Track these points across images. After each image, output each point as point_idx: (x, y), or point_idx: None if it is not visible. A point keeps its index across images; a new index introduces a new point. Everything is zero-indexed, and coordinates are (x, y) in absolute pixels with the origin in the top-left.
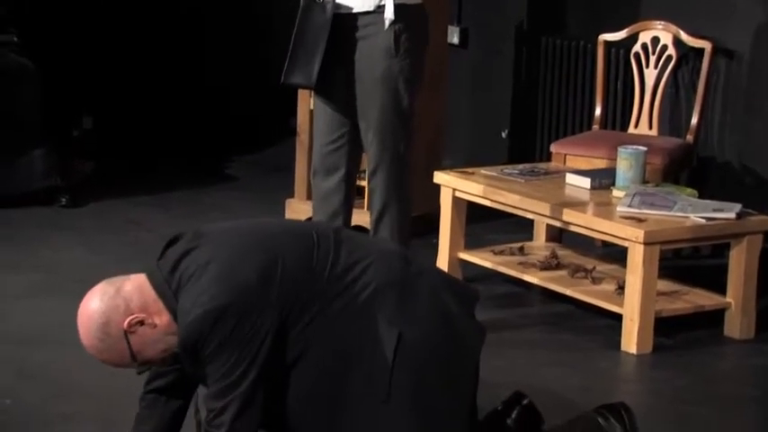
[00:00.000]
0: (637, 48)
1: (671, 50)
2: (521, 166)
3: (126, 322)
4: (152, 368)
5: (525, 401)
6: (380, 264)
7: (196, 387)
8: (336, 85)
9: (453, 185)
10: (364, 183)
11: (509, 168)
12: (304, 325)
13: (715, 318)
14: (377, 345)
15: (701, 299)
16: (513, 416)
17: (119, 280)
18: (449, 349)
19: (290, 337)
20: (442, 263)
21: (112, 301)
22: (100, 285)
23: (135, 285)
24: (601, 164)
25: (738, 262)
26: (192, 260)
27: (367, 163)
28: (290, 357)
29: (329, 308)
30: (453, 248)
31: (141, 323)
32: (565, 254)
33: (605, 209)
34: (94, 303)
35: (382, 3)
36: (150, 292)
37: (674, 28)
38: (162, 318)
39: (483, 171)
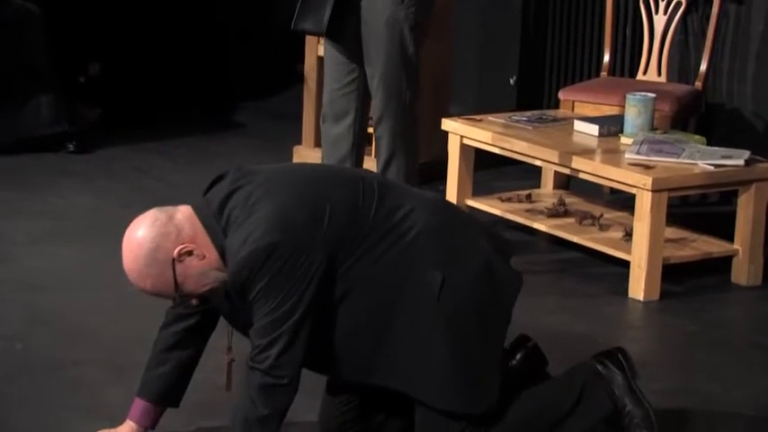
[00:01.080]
0: None
1: None
2: (529, 113)
3: (176, 250)
4: (176, 308)
5: (530, 344)
6: (423, 209)
7: (210, 335)
8: (346, 32)
9: (461, 133)
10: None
11: (517, 115)
12: (349, 265)
13: (722, 265)
14: (420, 286)
15: (709, 246)
16: (518, 358)
17: (169, 209)
18: (488, 295)
19: (336, 276)
20: None
21: (164, 228)
22: (150, 212)
23: (185, 216)
24: (609, 111)
25: (746, 209)
26: (241, 198)
27: (373, 111)
28: (335, 297)
29: (374, 249)
30: (461, 196)
31: (190, 253)
32: (572, 201)
33: (613, 156)
34: (145, 229)
35: None
36: (199, 225)
37: None
38: (209, 252)
39: (491, 118)
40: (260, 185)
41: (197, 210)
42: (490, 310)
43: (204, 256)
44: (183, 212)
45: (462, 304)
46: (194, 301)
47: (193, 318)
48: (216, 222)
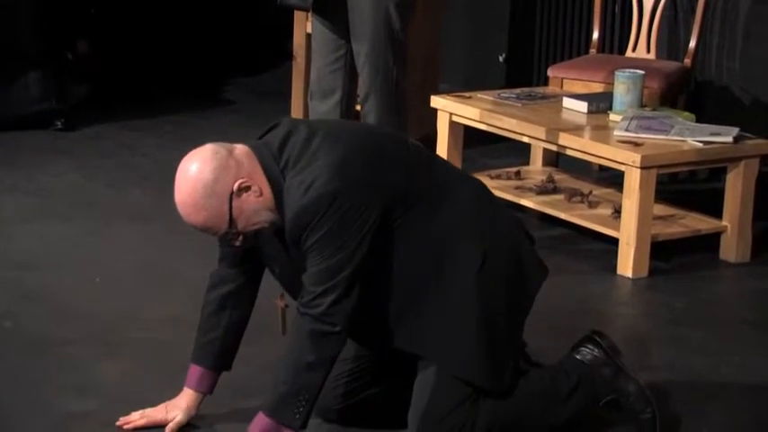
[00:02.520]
0: None
1: None
2: (518, 91)
3: (236, 184)
4: (222, 247)
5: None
6: (465, 184)
7: (255, 296)
8: (334, 7)
9: (450, 110)
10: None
11: (506, 92)
12: (399, 224)
13: (711, 241)
14: (462, 258)
15: (698, 223)
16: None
17: (227, 144)
18: (518, 281)
19: (386, 233)
20: None
21: (225, 161)
22: (209, 145)
23: (244, 152)
24: (598, 88)
25: (735, 186)
26: (300, 141)
27: (360, 88)
28: (381, 254)
29: (422, 212)
30: None
31: (248, 189)
32: (561, 178)
33: (602, 133)
34: (205, 161)
35: None
36: (257, 163)
37: None
38: (265, 190)
39: (480, 95)
40: (319, 133)
41: (255, 148)
42: (517, 296)
43: (261, 194)
44: (242, 150)
45: (497, 284)
46: (239, 242)
47: (237, 280)
48: (274, 163)
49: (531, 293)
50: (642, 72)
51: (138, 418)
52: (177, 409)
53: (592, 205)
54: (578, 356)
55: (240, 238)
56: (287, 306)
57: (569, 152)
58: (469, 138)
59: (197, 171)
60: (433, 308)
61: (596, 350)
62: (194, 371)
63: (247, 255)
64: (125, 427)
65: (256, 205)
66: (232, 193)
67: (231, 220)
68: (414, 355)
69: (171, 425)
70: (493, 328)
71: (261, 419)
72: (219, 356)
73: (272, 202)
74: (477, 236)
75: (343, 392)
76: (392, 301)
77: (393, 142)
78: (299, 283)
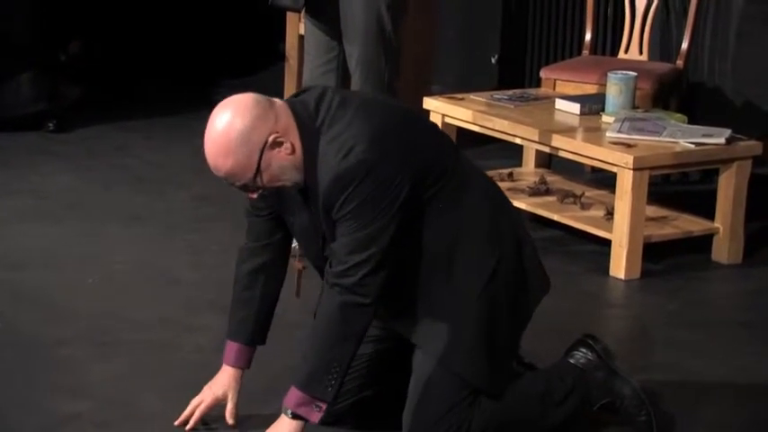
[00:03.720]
0: None
1: None
2: (510, 92)
3: (271, 137)
4: (246, 244)
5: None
6: (484, 179)
7: (285, 269)
8: (326, 8)
9: (443, 111)
10: None
11: (498, 94)
12: (425, 201)
13: (703, 243)
14: (476, 255)
15: (690, 224)
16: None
17: (269, 97)
18: (522, 293)
19: (414, 209)
20: None
21: (264, 112)
22: (250, 93)
23: (283, 108)
24: (590, 89)
25: (727, 187)
26: (335, 108)
27: (352, 89)
28: (407, 233)
29: (447, 194)
30: None
31: (281, 144)
32: (554, 179)
33: (595, 134)
34: (245, 108)
35: None
36: (293, 120)
37: None
38: (297, 149)
39: (472, 97)
40: (353, 101)
41: (292, 106)
42: (520, 306)
43: (292, 152)
44: (281, 105)
45: (503, 292)
46: (256, 195)
47: (266, 253)
48: (311, 123)
49: (532, 306)
50: (634, 74)
51: (193, 413)
52: (222, 387)
53: (584, 207)
54: (572, 360)
55: (259, 192)
56: (304, 268)
57: (562, 153)
58: (462, 139)
59: (234, 116)
60: (441, 302)
61: (590, 353)
62: (231, 347)
63: (275, 227)
64: (187, 429)
65: (285, 162)
66: (265, 144)
67: (257, 173)
68: (409, 352)
69: (229, 407)
70: (494, 334)
71: (294, 393)
72: (254, 332)
73: (301, 162)
74: (494, 239)
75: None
76: (404, 287)
77: (424, 120)
78: (315, 241)
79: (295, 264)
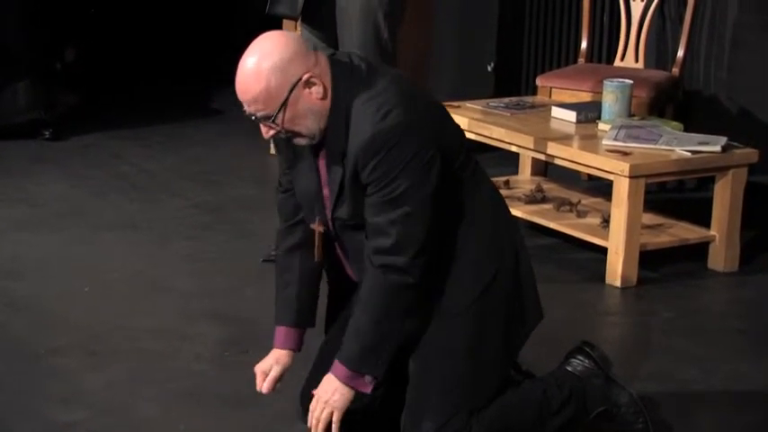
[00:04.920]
0: None
1: None
2: (506, 100)
3: (307, 74)
4: (281, 225)
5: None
6: (492, 185)
7: None
8: (323, 16)
9: None
10: None
11: (495, 102)
12: (447, 182)
13: (699, 251)
14: (471, 266)
15: (686, 232)
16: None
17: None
18: (517, 314)
19: (444, 184)
20: None
21: (306, 50)
22: (295, 32)
23: (322, 55)
24: (586, 97)
25: (723, 195)
26: (365, 71)
27: None
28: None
29: (467, 179)
30: None
31: (313, 85)
32: (550, 187)
33: (591, 142)
34: (290, 39)
35: None
36: (329, 72)
37: None
38: (327, 98)
39: (468, 104)
40: (383, 70)
41: (330, 57)
42: (511, 332)
43: (323, 98)
44: (322, 54)
45: (495, 308)
46: (269, 134)
47: (298, 232)
48: (346, 78)
49: (525, 329)
50: (630, 81)
51: (265, 381)
52: (268, 363)
53: (580, 215)
54: (569, 368)
55: (274, 131)
56: (324, 232)
57: (558, 161)
58: None
59: (276, 44)
60: (430, 307)
61: (587, 361)
62: (279, 332)
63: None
64: (265, 390)
65: (313, 106)
66: (299, 80)
67: (283, 106)
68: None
69: (270, 376)
70: (479, 351)
71: (342, 370)
72: (298, 313)
73: (327, 112)
74: (494, 252)
75: None
76: None
77: (444, 107)
78: (319, 204)
79: (316, 227)
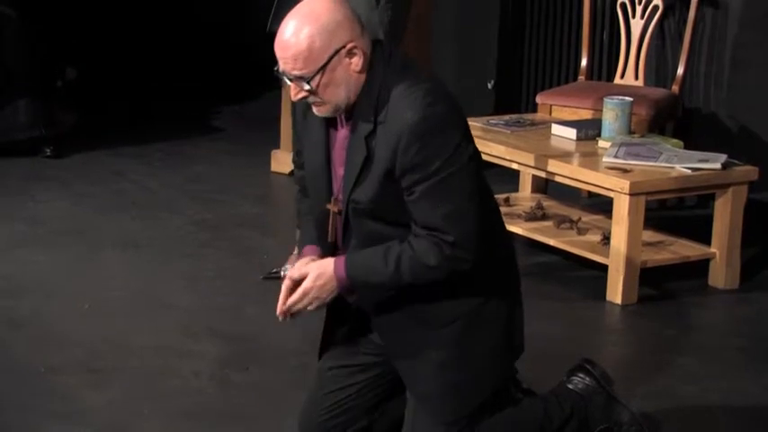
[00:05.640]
0: None
1: (657, 1)
2: (506, 117)
3: (351, 43)
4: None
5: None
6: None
7: None
8: None
9: None
10: None
11: (495, 119)
12: None
13: (700, 268)
14: (475, 285)
15: (687, 249)
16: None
17: None
18: (505, 339)
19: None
20: None
21: (354, 23)
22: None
23: (368, 34)
24: (586, 114)
25: (723, 212)
26: (405, 60)
27: None
28: None
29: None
30: None
31: (355, 56)
32: (550, 205)
33: (591, 159)
34: (342, 7)
35: None
36: (370, 48)
37: None
38: (364, 73)
39: (469, 122)
40: (417, 64)
41: (374, 39)
42: (498, 351)
43: (360, 71)
44: (366, 32)
45: (481, 335)
46: (299, 94)
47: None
48: (385, 61)
49: (509, 363)
50: (630, 99)
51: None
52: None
53: (581, 232)
54: (570, 386)
55: (304, 94)
56: (340, 212)
57: (558, 179)
58: None
59: (333, 5)
60: (421, 310)
61: (588, 379)
62: (306, 249)
63: None
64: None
65: (349, 76)
66: (343, 47)
67: (322, 69)
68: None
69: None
70: (461, 368)
71: (342, 276)
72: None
73: (360, 87)
74: (492, 269)
75: (335, 425)
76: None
77: None
78: (324, 179)
79: (330, 207)
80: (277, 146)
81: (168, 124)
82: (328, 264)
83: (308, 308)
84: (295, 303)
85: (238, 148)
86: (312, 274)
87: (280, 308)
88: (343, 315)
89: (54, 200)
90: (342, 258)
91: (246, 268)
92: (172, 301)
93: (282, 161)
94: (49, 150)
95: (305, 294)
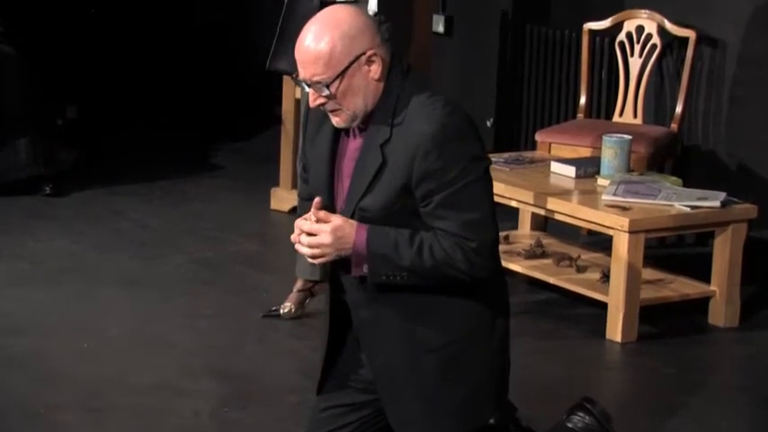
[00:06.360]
0: (621, 36)
1: (655, 39)
2: (506, 155)
3: (371, 51)
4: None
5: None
6: None
7: None
8: None
9: None
10: None
11: (494, 157)
12: None
13: (700, 306)
14: (466, 304)
15: (686, 287)
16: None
17: None
18: (491, 383)
19: None
20: None
21: (376, 30)
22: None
23: (388, 45)
24: (586, 152)
25: (723, 250)
26: (419, 75)
27: None
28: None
29: None
30: None
31: (374, 63)
32: (550, 242)
33: (590, 197)
34: (363, 15)
35: None
36: (389, 58)
37: (658, 17)
38: (382, 82)
39: None
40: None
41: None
42: (489, 390)
43: (378, 79)
44: (386, 43)
45: (462, 378)
46: (317, 101)
47: None
48: (402, 73)
49: (496, 397)
50: (629, 137)
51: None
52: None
53: (580, 270)
54: (570, 424)
55: (322, 100)
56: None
57: (557, 216)
58: None
59: (351, 13)
60: (412, 331)
61: (588, 417)
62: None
63: None
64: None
65: (368, 84)
66: (363, 54)
67: (340, 75)
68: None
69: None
70: (443, 397)
71: (361, 250)
72: None
73: (377, 96)
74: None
75: None
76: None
77: None
78: (327, 187)
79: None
80: (277, 183)
81: (168, 162)
82: (352, 223)
83: (311, 251)
84: (309, 235)
85: (238, 186)
86: (335, 223)
87: (295, 236)
88: (340, 347)
89: (54, 238)
90: (365, 226)
91: (246, 306)
92: (171, 340)
93: (282, 199)
94: (48, 189)
95: (318, 232)
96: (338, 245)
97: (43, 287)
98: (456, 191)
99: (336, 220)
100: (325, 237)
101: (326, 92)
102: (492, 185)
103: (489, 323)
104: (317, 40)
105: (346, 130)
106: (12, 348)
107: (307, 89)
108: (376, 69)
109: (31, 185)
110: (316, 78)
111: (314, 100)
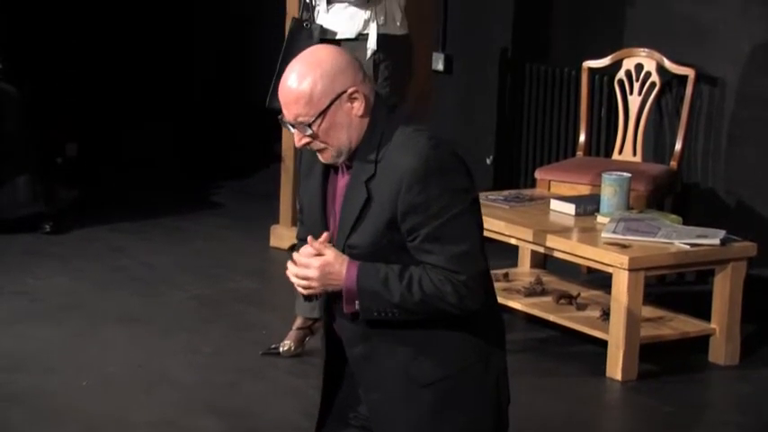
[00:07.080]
0: (620, 75)
1: (654, 77)
2: (505, 193)
3: (352, 88)
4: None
5: None
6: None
7: None
8: None
9: None
10: None
11: (494, 195)
12: None
13: (700, 344)
14: (461, 338)
15: (686, 325)
16: None
17: None
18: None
19: None
20: None
21: (357, 69)
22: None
23: (370, 80)
24: (585, 190)
25: (723, 288)
26: (403, 112)
27: None
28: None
29: None
30: None
31: (356, 100)
32: (549, 280)
33: (590, 235)
34: (344, 55)
35: (366, 31)
36: (373, 95)
37: (657, 55)
38: (366, 119)
39: None
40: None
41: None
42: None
43: (362, 116)
44: (370, 77)
45: (458, 411)
46: (301, 141)
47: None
48: (386, 110)
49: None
50: (629, 175)
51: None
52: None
53: (580, 307)
54: None
55: (307, 140)
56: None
57: (557, 254)
58: None
59: (332, 53)
60: (404, 367)
61: None
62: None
63: None
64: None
65: (351, 121)
66: (344, 92)
67: (322, 114)
68: None
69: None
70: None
71: (352, 287)
72: None
73: (362, 132)
74: (481, 340)
75: None
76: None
77: None
78: (321, 225)
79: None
80: (276, 221)
81: (167, 200)
82: (343, 260)
83: (299, 282)
84: (300, 268)
85: (238, 224)
86: (326, 258)
87: (290, 269)
88: (338, 383)
89: (53, 275)
90: (355, 263)
91: (245, 344)
92: (171, 377)
93: (282, 236)
94: (48, 226)
95: (308, 266)
96: (325, 280)
97: (43, 324)
98: (441, 224)
99: (329, 255)
100: (312, 271)
101: (309, 131)
102: (480, 217)
103: (484, 357)
104: (299, 81)
105: (336, 168)
106: (12, 385)
107: (291, 130)
108: (359, 106)
109: (31, 223)
110: (300, 119)
111: (299, 140)
